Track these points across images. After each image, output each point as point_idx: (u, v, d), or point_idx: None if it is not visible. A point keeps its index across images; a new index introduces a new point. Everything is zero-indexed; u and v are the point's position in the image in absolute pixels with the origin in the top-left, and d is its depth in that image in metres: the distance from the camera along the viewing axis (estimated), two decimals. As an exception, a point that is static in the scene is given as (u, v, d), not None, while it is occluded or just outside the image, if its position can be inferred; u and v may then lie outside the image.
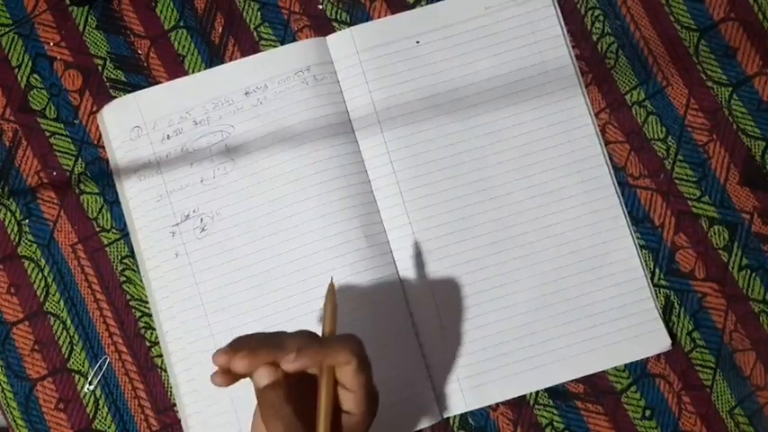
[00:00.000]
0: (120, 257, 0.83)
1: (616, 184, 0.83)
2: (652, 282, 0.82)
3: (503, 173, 0.83)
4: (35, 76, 0.86)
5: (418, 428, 0.80)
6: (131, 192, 0.83)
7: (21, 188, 0.84)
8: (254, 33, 0.86)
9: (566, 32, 0.85)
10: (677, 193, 0.83)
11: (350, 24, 0.86)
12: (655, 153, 0.83)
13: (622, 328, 0.81)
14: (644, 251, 0.82)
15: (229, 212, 0.82)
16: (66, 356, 0.82)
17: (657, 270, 0.82)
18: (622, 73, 0.85)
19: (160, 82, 0.85)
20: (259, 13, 0.86)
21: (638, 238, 0.82)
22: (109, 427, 0.81)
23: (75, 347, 0.82)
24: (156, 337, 0.82)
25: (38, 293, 0.83)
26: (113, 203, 0.84)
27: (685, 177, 0.83)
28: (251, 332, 0.65)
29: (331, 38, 0.85)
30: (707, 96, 0.84)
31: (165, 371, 0.82)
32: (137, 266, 0.83)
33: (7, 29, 0.86)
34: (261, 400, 0.63)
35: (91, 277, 0.83)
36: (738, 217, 0.83)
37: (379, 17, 0.86)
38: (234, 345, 0.63)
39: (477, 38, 0.85)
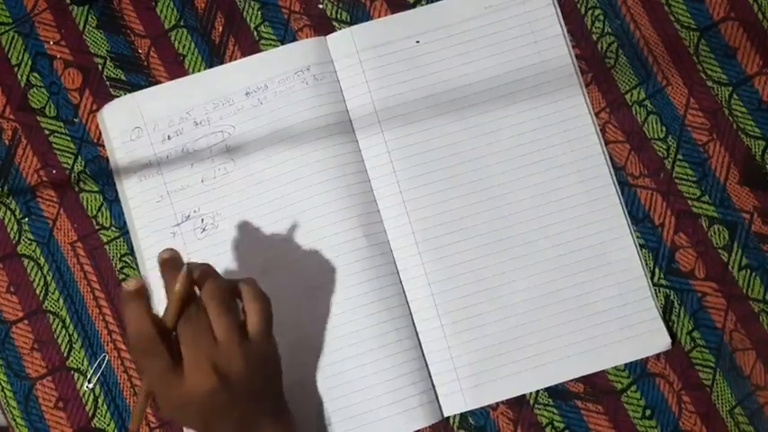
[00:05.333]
0: (119, 255, 0.83)
1: (616, 184, 0.83)
2: (652, 281, 0.82)
3: (502, 172, 0.83)
4: (35, 74, 0.86)
5: (418, 428, 0.79)
6: (132, 192, 0.83)
7: (20, 187, 0.84)
8: (255, 33, 0.86)
9: (566, 32, 0.85)
10: (677, 193, 0.83)
11: (350, 24, 0.86)
12: (655, 153, 0.83)
13: (622, 328, 0.81)
14: (644, 251, 0.82)
15: (230, 213, 0.82)
16: (65, 355, 0.82)
17: (657, 270, 0.82)
18: (622, 73, 0.85)
19: (160, 81, 0.85)
20: (259, 13, 0.86)
21: (638, 237, 0.82)
22: (108, 425, 0.81)
23: (74, 346, 0.82)
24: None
25: (37, 292, 0.83)
26: (113, 201, 0.84)
27: (685, 177, 0.83)
28: None
29: (331, 37, 0.85)
30: (707, 96, 0.84)
31: (164, 368, 0.82)
32: (136, 264, 0.83)
33: (7, 27, 0.86)
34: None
35: (90, 275, 0.83)
36: (738, 217, 0.83)
37: (379, 17, 0.86)
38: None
39: (477, 38, 0.85)
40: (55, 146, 0.85)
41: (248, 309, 0.72)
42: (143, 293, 0.69)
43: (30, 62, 0.86)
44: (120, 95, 0.85)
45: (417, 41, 0.85)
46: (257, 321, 0.72)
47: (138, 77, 0.86)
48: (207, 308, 0.70)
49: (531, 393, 0.81)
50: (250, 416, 0.71)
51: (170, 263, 0.71)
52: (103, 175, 0.84)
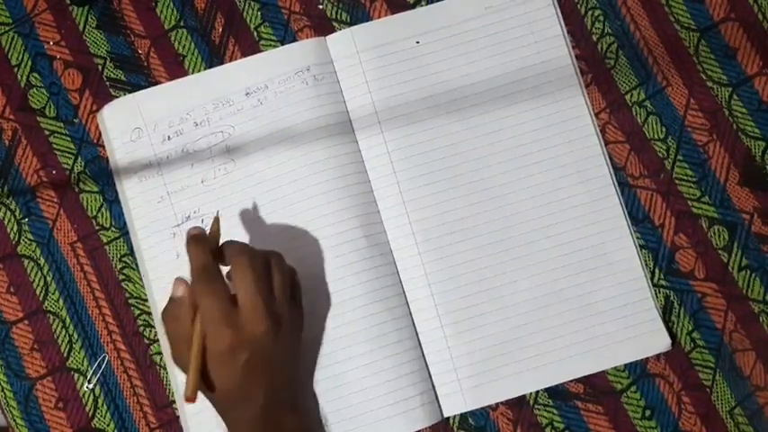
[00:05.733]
0: (119, 256, 0.83)
1: (616, 184, 0.83)
2: (652, 282, 0.82)
3: (503, 173, 0.83)
4: (35, 74, 0.86)
5: (418, 428, 0.79)
6: (132, 192, 0.83)
7: (20, 187, 0.84)
8: (255, 33, 0.86)
9: (566, 32, 0.85)
10: (677, 193, 0.83)
11: (350, 24, 0.86)
12: (655, 153, 0.83)
13: (622, 328, 0.81)
14: (644, 251, 0.82)
15: (230, 213, 0.82)
16: (65, 355, 0.82)
17: (657, 270, 0.82)
18: (622, 73, 0.85)
19: (160, 82, 0.85)
20: (259, 13, 0.86)
21: (638, 238, 0.82)
22: (108, 425, 0.81)
23: (74, 346, 0.82)
24: (155, 335, 0.82)
25: (37, 292, 0.83)
26: (113, 202, 0.84)
27: (685, 177, 0.83)
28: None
29: (331, 38, 0.85)
30: (707, 96, 0.84)
31: (164, 368, 0.82)
32: (136, 265, 0.83)
33: (7, 28, 0.86)
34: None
35: (90, 276, 0.83)
36: (738, 217, 0.83)
37: (379, 17, 0.86)
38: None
39: (477, 38, 0.85)
40: (55, 146, 0.85)
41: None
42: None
43: (30, 62, 0.86)
44: (120, 96, 0.85)
45: (417, 42, 0.85)
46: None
47: (138, 78, 0.86)
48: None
49: (530, 394, 0.81)
50: (280, 387, 0.74)
51: (198, 238, 0.73)
52: (103, 175, 0.84)
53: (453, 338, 0.80)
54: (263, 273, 0.73)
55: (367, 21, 0.86)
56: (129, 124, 0.84)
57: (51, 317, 0.82)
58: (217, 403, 0.74)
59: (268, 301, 0.72)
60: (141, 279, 0.82)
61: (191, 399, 0.70)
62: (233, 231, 0.82)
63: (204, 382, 0.71)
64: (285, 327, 0.73)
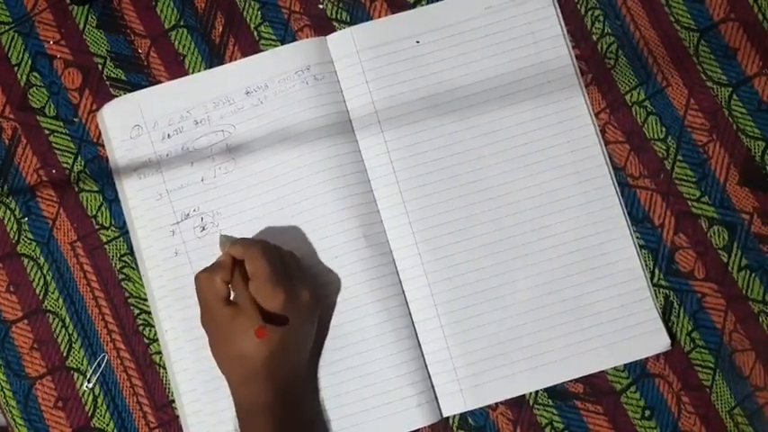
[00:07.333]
0: (119, 255, 0.83)
1: (616, 184, 0.83)
2: (652, 282, 0.82)
3: (502, 173, 0.83)
4: (35, 74, 0.86)
5: (418, 428, 0.79)
6: (131, 190, 0.83)
7: (20, 186, 0.84)
8: (255, 33, 0.86)
9: (566, 32, 0.85)
10: (677, 194, 0.83)
11: (350, 24, 0.86)
12: (655, 153, 0.83)
13: (622, 328, 0.81)
14: (644, 251, 0.82)
15: (230, 212, 0.82)
16: (64, 354, 0.82)
17: (657, 270, 0.82)
18: (622, 73, 0.84)
19: (160, 81, 0.85)
20: (259, 13, 0.86)
21: (637, 238, 0.82)
22: (107, 425, 0.81)
23: (73, 345, 0.82)
24: (155, 335, 0.82)
25: (37, 292, 0.83)
26: (112, 201, 0.84)
27: (685, 177, 0.83)
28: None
29: (331, 37, 0.85)
30: (707, 97, 0.84)
31: (164, 368, 0.82)
32: (135, 264, 0.83)
33: (7, 27, 0.86)
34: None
35: (90, 275, 0.83)
36: (738, 217, 0.83)
37: (379, 17, 0.86)
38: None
39: (477, 38, 0.85)
40: (55, 145, 0.85)
41: None
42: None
43: (30, 62, 0.86)
44: (120, 95, 0.85)
45: (417, 41, 0.85)
46: None
47: (138, 77, 0.86)
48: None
49: (530, 394, 0.81)
50: (302, 366, 0.78)
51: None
52: (103, 174, 0.84)
53: (452, 338, 0.80)
54: (277, 258, 0.76)
55: (367, 20, 0.86)
56: (128, 122, 0.84)
57: (51, 316, 0.82)
58: (240, 378, 0.75)
59: (285, 281, 0.75)
60: (141, 278, 0.82)
61: (263, 331, 0.73)
62: (232, 230, 0.82)
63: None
64: (303, 305, 0.76)
